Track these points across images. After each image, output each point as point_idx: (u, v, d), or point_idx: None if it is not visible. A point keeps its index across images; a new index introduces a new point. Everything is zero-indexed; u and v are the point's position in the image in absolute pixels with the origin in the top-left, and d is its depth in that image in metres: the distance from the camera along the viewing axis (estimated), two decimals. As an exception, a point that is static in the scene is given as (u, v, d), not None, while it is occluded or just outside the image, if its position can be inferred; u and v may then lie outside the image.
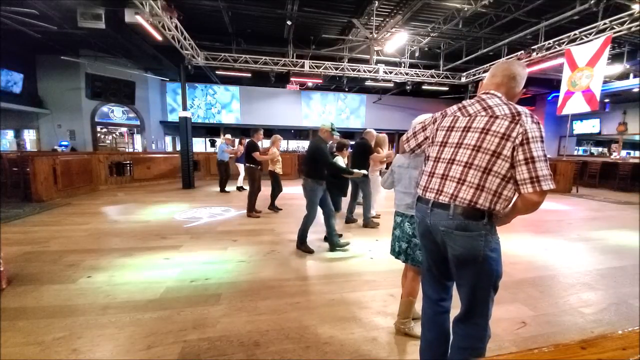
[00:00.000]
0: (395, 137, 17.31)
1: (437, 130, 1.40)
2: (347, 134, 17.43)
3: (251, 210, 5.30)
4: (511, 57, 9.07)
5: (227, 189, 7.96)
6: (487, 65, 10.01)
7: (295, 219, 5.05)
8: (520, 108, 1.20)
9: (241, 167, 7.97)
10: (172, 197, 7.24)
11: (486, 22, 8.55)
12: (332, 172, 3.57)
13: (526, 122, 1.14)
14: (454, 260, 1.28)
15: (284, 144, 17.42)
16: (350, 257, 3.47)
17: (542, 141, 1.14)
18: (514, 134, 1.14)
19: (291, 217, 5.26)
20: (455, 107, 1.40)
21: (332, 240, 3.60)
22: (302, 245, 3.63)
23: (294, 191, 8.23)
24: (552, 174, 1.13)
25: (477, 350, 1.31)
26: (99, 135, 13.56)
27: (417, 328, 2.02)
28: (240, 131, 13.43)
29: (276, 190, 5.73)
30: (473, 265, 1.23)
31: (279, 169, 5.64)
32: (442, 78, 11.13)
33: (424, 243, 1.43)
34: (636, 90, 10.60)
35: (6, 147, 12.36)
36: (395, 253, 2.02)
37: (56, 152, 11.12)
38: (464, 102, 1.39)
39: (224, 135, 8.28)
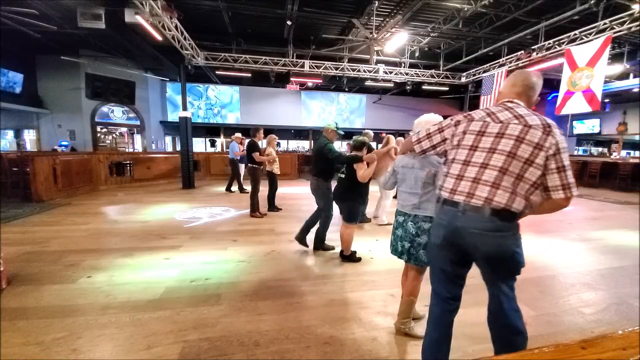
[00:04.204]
0: (395, 137, 17.31)
1: (464, 133, 1.40)
2: (347, 134, 17.47)
3: (254, 210, 5.30)
4: (511, 57, 9.08)
5: (232, 188, 7.92)
6: (487, 65, 10.02)
7: (295, 219, 5.05)
8: (547, 119, 1.29)
9: (241, 167, 7.97)
10: (172, 197, 7.24)
11: (486, 22, 8.56)
12: (343, 163, 3.25)
13: (556, 133, 1.25)
14: (484, 260, 1.33)
15: (284, 144, 17.46)
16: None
17: (567, 151, 1.26)
18: (546, 145, 1.23)
19: (291, 217, 5.25)
20: (482, 112, 1.42)
21: (302, 237, 3.64)
22: (322, 244, 3.63)
23: (294, 191, 8.24)
24: None
25: (523, 337, 1.39)
26: (99, 135, 13.58)
27: (417, 328, 2.03)
28: (241, 131, 13.44)
29: (272, 190, 5.73)
30: (502, 261, 1.31)
31: (276, 169, 5.65)
32: (442, 78, 11.13)
33: (444, 245, 1.41)
34: (636, 90, 10.62)
35: (6, 147, 12.37)
36: (398, 253, 2.00)
37: (56, 152, 11.13)
38: (490, 108, 1.41)
39: (234, 134, 8.12)
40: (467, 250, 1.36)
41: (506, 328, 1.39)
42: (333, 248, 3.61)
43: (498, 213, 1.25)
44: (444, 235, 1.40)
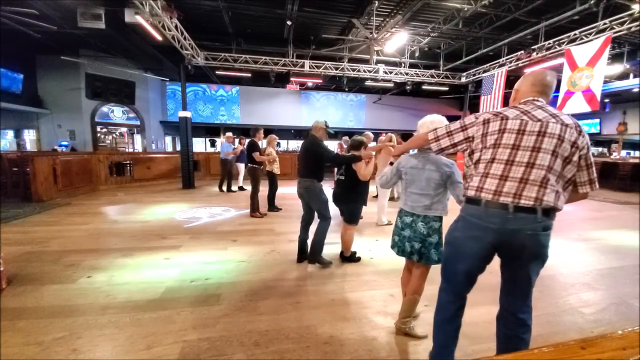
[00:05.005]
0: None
1: (501, 132, 1.36)
2: (346, 134, 17.47)
3: (254, 210, 5.30)
4: (511, 57, 9.08)
5: (232, 188, 7.95)
6: (487, 65, 10.01)
7: (295, 219, 5.04)
8: (574, 119, 1.34)
9: (241, 167, 7.98)
10: (172, 197, 7.24)
11: (486, 22, 8.55)
12: (341, 164, 3.19)
13: (585, 133, 1.32)
14: (529, 259, 1.32)
15: (284, 144, 17.45)
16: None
17: (591, 148, 1.35)
18: (579, 144, 1.29)
19: (291, 217, 5.25)
20: (514, 110, 1.38)
21: (319, 252, 3.22)
22: (319, 257, 3.18)
23: (294, 191, 8.22)
24: None
25: (529, 334, 1.42)
26: (99, 135, 13.57)
27: (417, 328, 2.03)
28: (240, 131, 13.61)
29: (272, 190, 5.73)
30: (543, 257, 1.34)
31: (276, 169, 5.66)
32: (442, 78, 11.13)
33: (488, 249, 1.36)
34: (636, 90, 10.61)
35: (6, 147, 12.36)
36: (407, 253, 1.97)
37: (56, 152, 11.12)
38: (520, 106, 1.40)
39: (225, 134, 8.25)
40: (509, 250, 1.35)
41: (518, 323, 1.41)
42: (331, 263, 3.21)
43: (548, 212, 1.27)
44: (493, 240, 1.33)
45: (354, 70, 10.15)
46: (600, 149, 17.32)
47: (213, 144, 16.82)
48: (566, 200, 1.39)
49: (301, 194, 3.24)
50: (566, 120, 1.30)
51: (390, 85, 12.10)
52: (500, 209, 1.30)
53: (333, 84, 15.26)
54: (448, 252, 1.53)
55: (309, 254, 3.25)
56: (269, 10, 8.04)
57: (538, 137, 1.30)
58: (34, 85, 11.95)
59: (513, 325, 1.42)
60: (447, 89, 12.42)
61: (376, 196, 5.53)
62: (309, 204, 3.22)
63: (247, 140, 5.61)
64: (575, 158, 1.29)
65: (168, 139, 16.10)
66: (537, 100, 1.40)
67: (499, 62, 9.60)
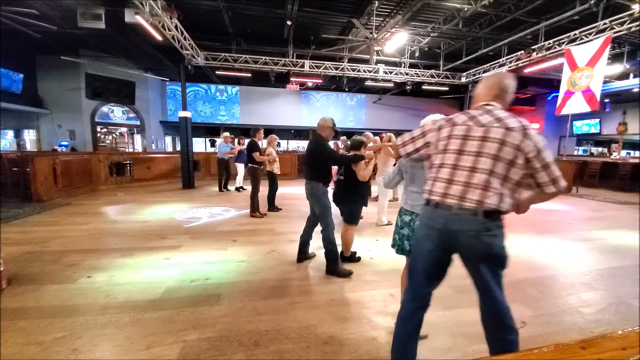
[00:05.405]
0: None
1: (449, 138, 1.45)
2: (346, 134, 17.46)
3: (254, 210, 5.30)
4: (511, 57, 9.08)
5: (228, 187, 8.01)
6: (487, 65, 10.02)
7: (295, 219, 5.06)
8: (524, 121, 1.37)
9: (240, 167, 7.99)
10: (172, 197, 7.24)
11: (486, 22, 8.55)
12: (342, 164, 3.18)
13: (533, 135, 1.33)
14: (478, 259, 1.36)
15: (284, 144, 17.46)
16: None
17: (547, 148, 1.35)
18: (525, 147, 1.31)
19: (291, 217, 5.26)
20: (463, 116, 1.47)
21: (335, 261, 3.05)
22: (335, 267, 2.95)
23: (293, 191, 8.23)
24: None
25: (515, 335, 1.38)
26: (99, 135, 13.57)
27: (417, 328, 2.03)
28: (240, 131, 13.61)
29: (272, 190, 5.74)
30: (494, 258, 1.36)
31: (276, 169, 5.66)
32: (442, 78, 11.13)
33: (437, 247, 1.44)
34: (636, 90, 10.60)
35: (6, 147, 12.36)
36: (406, 252, 1.98)
37: (56, 152, 11.13)
38: (470, 111, 1.47)
39: (223, 134, 8.33)
40: (460, 251, 1.40)
41: (499, 326, 1.40)
42: (351, 273, 2.98)
43: (490, 214, 1.31)
44: (439, 239, 1.42)
45: (354, 70, 10.15)
46: (600, 149, 17.35)
47: (213, 144, 16.78)
48: (537, 200, 1.46)
49: (307, 197, 3.17)
50: (511, 124, 1.34)
51: (390, 85, 12.10)
52: (445, 210, 1.38)
53: (333, 84, 15.25)
54: (413, 252, 1.62)
55: (329, 268, 3.02)
56: (269, 10, 8.04)
57: (480, 142, 1.36)
58: (34, 85, 11.95)
59: (495, 326, 1.43)
60: (447, 89, 12.41)
61: (376, 197, 5.53)
62: (313, 207, 3.17)
63: (247, 140, 5.61)
64: (520, 161, 1.31)
65: (168, 139, 16.09)
66: (489, 105, 1.45)
67: (499, 62, 9.60)
